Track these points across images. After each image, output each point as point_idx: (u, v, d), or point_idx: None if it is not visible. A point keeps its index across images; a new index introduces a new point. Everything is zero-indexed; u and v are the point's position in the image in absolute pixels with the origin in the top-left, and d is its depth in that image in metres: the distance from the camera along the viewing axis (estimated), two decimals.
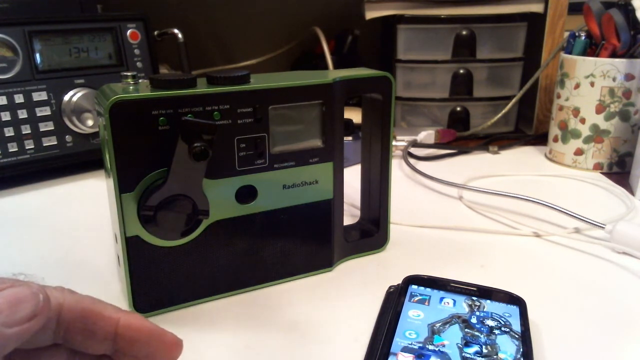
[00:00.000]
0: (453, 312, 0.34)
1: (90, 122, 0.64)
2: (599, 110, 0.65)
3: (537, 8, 0.78)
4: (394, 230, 0.47)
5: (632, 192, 0.59)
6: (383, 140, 0.42)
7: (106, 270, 0.42)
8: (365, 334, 0.33)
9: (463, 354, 0.30)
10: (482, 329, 0.32)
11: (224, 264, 0.37)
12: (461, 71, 0.80)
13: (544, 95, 0.81)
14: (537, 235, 0.48)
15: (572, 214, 0.47)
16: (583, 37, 0.66)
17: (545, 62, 0.76)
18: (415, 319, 0.33)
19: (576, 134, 0.67)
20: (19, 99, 0.60)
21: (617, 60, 0.62)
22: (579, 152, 0.67)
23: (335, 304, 0.37)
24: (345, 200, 0.43)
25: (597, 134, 0.65)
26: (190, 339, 0.28)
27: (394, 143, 0.62)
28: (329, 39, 0.87)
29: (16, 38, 0.60)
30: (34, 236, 0.49)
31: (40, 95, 0.62)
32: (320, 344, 0.33)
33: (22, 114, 0.61)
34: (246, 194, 0.37)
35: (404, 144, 0.72)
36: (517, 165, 0.69)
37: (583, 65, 0.64)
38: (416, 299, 0.35)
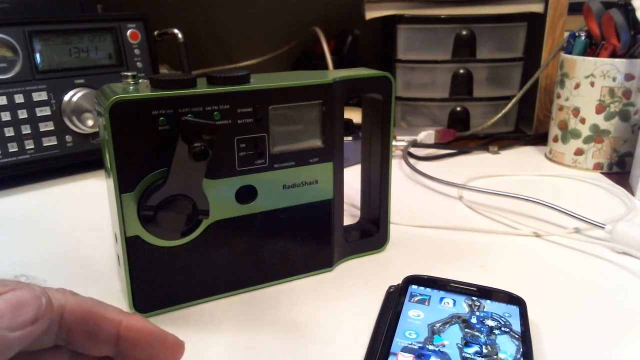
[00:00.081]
0: (453, 312, 0.34)
1: (90, 122, 0.64)
2: (599, 110, 0.65)
3: (537, 8, 0.78)
4: (394, 230, 0.47)
5: (632, 192, 0.59)
6: (383, 140, 0.42)
7: (106, 270, 0.42)
8: (365, 334, 0.33)
9: (463, 354, 0.30)
10: (482, 329, 0.32)
11: (224, 264, 0.37)
12: (461, 71, 0.80)
13: (544, 95, 0.81)
14: (537, 235, 0.48)
15: (572, 214, 0.47)
16: (583, 37, 0.66)
17: (545, 62, 0.76)
18: (415, 319, 0.33)
19: (576, 134, 0.67)
20: (19, 99, 0.60)
21: (617, 60, 0.62)
22: (579, 152, 0.67)
23: (335, 304, 0.37)
24: (345, 200, 0.43)
25: (597, 134, 0.65)
26: (190, 339, 0.28)
27: (394, 143, 0.62)
28: (329, 39, 0.87)
29: (16, 38, 0.60)
30: (34, 236, 0.49)
31: (40, 95, 0.62)
32: (320, 344, 0.33)
33: (22, 114, 0.61)
34: (246, 194, 0.37)
35: (404, 144, 0.72)
36: (517, 165, 0.69)
37: (583, 65, 0.64)
38: (416, 299, 0.35)
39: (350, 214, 0.51)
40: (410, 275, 0.38)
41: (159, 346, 0.25)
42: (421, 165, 0.68)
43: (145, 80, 0.35)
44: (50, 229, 0.51)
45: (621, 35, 0.61)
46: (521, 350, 0.30)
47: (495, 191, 0.53)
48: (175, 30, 0.75)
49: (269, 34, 0.99)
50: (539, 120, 0.82)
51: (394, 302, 0.35)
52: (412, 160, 0.69)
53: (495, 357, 0.30)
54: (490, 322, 0.33)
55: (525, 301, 0.35)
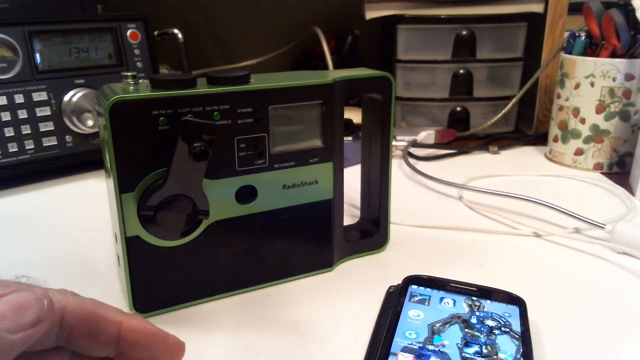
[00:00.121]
0: (453, 312, 0.34)
1: (90, 122, 0.64)
2: (599, 110, 0.65)
3: (537, 8, 0.78)
4: (394, 230, 0.47)
5: (632, 192, 0.59)
6: (383, 140, 0.42)
7: (106, 270, 0.42)
8: (365, 334, 0.33)
9: (463, 354, 0.30)
10: (482, 329, 0.32)
11: (224, 264, 0.37)
12: (461, 71, 0.80)
13: (544, 95, 0.81)
14: (537, 235, 0.48)
15: (572, 214, 0.47)
16: (583, 37, 0.66)
17: (545, 62, 0.76)
18: (415, 319, 0.33)
19: (576, 134, 0.67)
20: (19, 99, 0.60)
21: (617, 60, 0.62)
22: (579, 152, 0.67)
23: (335, 304, 0.37)
24: (345, 200, 0.43)
25: (597, 134, 0.65)
26: (190, 339, 0.28)
27: (394, 143, 0.62)
28: (329, 39, 0.87)
29: (16, 38, 0.60)
30: (34, 236, 0.49)
31: (40, 95, 0.62)
32: (320, 344, 0.33)
33: (22, 114, 0.61)
34: (246, 194, 0.37)
35: (404, 144, 0.72)
36: (517, 165, 0.69)
37: (583, 65, 0.64)
38: (416, 299, 0.35)
39: (350, 214, 0.51)
40: (410, 275, 0.38)
41: (160, 347, 0.25)
42: (421, 165, 0.68)
43: (145, 80, 0.35)
44: (50, 229, 0.51)
45: (621, 35, 0.61)
46: (521, 350, 0.30)
47: (495, 191, 0.53)
48: (175, 30, 0.75)
49: (269, 34, 0.99)
50: (539, 120, 0.82)
51: (394, 302, 0.35)
52: (412, 160, 0.69)
53: (495, 357, 0.30)
54: (490, 322, 0.33)
55: (525, 301, 0.35)
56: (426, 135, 0.75)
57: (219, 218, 0.36)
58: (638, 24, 0.62)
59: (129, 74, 0.35)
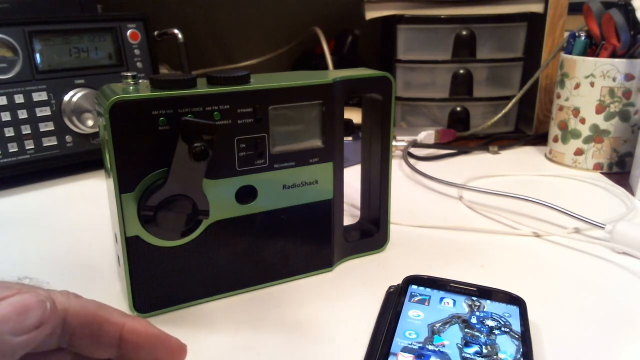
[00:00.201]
0: (453, 312, 0.34)
1: (90, 122, 0.64)
2: (599, 110, 0.65)
3: (537, 8, 0.78)
4: (394, 230, 0.47)
5: (632, 192, 0.59)
6: (383, 140, 0.42)
7: (106, 270, 0.42)
8: (365, 334, 0.33)
9: (463, 354, 0.30)
10: (482, 329, 0.32)
11: (224, 264, 0.37)
12: (461, 71, 0.80)
13: (544, 95, 0.81)
14: (537, 235, 0.48)
15: (572, 214, 0.47)
16: (583, 37, 0.66)
17: (545, 62, 0.76)
18: (415, 319, 0.33)
19: (576, 134, 0.67)
20: (19, 99, 0.60)
21: (617, 60, 0.62)
22: (579, 152, 0.67)
23: (335, 304, 0.37)
24: (345, 200, 0.43)
25: (597, 134, 0.65)
26: (190, 339, 0.28)
27: (394, 143, 0.62)
28: (329, 39, 0.87)
29: (16, 38, 0.60)
30: (34, 236, 0.49)
31: (40, 96, 0.62)
32: (320, 344, 0.33)
33: (22, 114, 0.61)
34: (246, 194, 0.37)
35: (404, 144, 0.72)
36: (517, 165, 0.69)
37: (583, 66, 0.64)
38: (416, 299, 0.35)
39: (350, 214, 0.51)
40: (410, 275, 0.38)
41: (162, 349, 0.25)
42: (421, 165, 0.68)
43: (145, 81, 0.35)
44: (50, 229, 0.51)
45: (621, 35, 0.61)
46: (521, 350, 0.30)
47: (495, 191, 0.53)
48: (175, 30, 0.75)
49: (269, 34, 0.99)
50: (539, 120, 0.82)
51: (394, 302, 0.35)
52: (412, 160, 0.69)
53: (495, 357, 0.30)
54: (490, 322, 0.33)
55: (525, 301, 0.35)
56: (426, 135, 0.75)
57: (219, 218, 0.36)
58: (638, 24, 0.62)
59: (129, 74, 0.35)
